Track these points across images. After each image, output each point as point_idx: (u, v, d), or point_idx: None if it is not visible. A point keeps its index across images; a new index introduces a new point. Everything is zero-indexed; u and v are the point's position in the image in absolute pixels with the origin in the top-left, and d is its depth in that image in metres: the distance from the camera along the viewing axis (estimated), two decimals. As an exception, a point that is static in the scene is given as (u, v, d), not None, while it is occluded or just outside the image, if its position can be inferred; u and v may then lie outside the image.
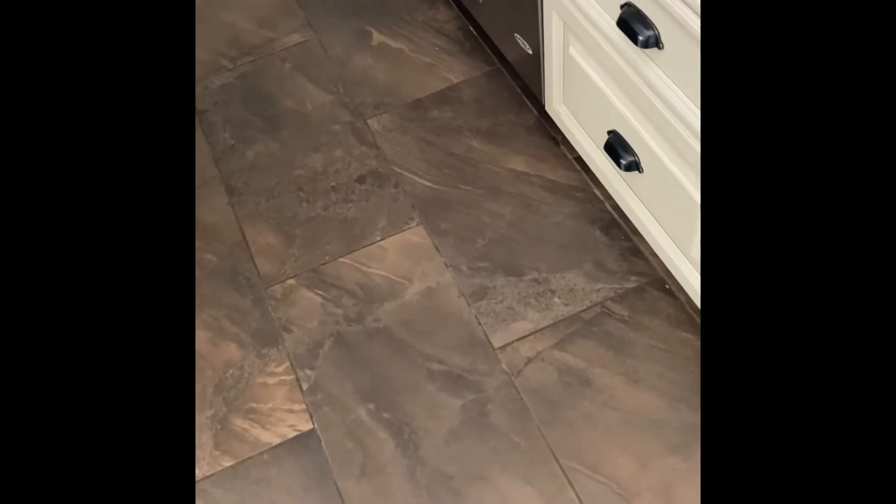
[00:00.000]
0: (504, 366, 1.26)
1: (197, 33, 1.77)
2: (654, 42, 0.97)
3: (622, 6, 1.01)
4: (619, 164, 1.18)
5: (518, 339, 1.28)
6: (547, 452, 1.17)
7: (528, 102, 1.57)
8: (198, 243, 1.45)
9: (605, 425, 1.19)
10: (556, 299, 1.32)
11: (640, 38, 0.97)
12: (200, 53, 1.73)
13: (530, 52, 1.38)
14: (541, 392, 1.23)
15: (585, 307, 1.30)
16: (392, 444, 1.20)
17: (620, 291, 1.31)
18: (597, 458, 1.16)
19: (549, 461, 1.16)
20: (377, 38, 1.72)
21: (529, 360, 1.26)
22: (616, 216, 1.40)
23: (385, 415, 1.23)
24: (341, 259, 1.41)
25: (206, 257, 1.43)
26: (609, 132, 1.20)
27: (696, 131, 0.96)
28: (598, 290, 1.32)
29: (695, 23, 0.88)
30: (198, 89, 1.68)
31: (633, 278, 1.32)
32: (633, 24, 0.98)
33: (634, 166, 1.16)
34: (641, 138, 1.11)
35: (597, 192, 1.43)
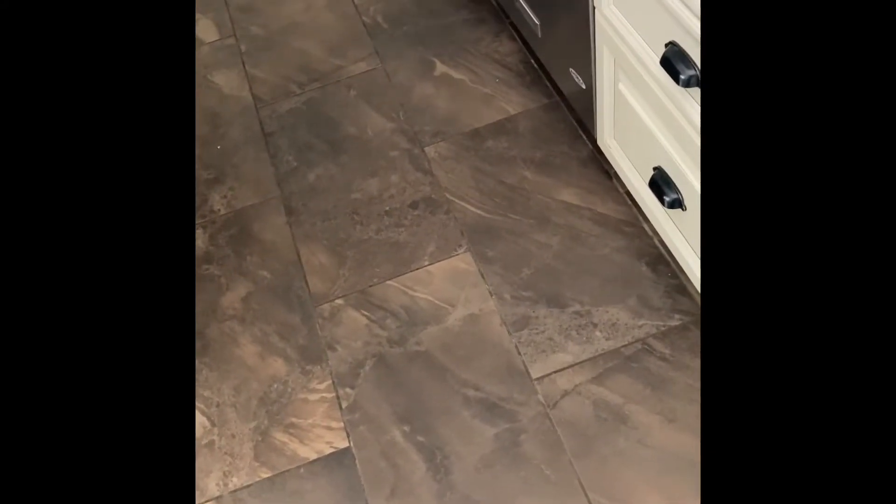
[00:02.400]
0: (540, 397, 1.26)
1: (270, 59, 1.86)
2: (696, 82, 0.97)
3: (666, 44, 1.01)
4: (662, 201, 1.17)
5: (556, 371, 1.28)
6: (577, 486, 1.16)
7: (582, 136, 1.58)
8: (255, 259, 1.52)
9: (638, 463, 1.17)
10: (598, 333, 1.32)
11: (682, 77, 0.97)
12: (272, 78, 1.82)
13: (584, 86, 1.39)
14: (575, 425, 1.22)
15: (627, 343, 1.29)
16: (424, 467, 1.22)
17: (663, 329, 1.30)
18: (627, 495, 1.14)
19: (578, 495, 1.15)
20: (440, 68, 1.76)
21: (566, 393, 1.26)
22: (663, 252, 1.38)
23: (419, 437, 1.25)
24: (389, 282, 1.44)
25: (261, 273, 1.49)
26: (654, 168, 1.19)
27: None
28: (640, 326, 1.31)
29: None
30: (266, 112, 1.75)
31: (676, 316, 1.31)
32: (675, 64, 0.98)
33: (678, 203, 1.15)
34: (684, 176, 1.11)
35: (646, 227, 1.43)
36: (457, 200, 1.53)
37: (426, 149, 1.63)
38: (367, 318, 1.40)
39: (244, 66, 1.85)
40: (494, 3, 1.84)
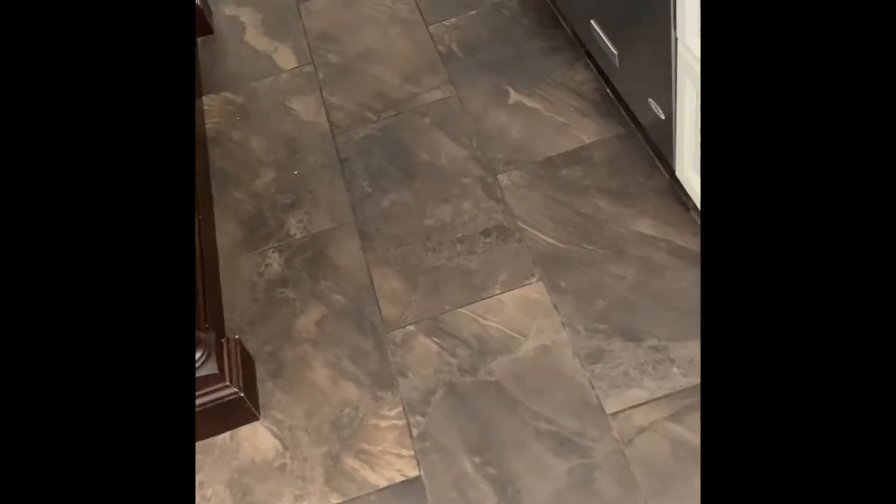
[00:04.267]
0: (615, 433, 1.23)
1: (346, 86, 1.89)
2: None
3: (755, 77, 0.99)
4: (747, 236, 1.14)
5: (632, 407, 1.26)
6: (652, 528, 1.13)
7: (659, 166, 1.55)
8: (329, 283, 1.53)
9: (718, 507, 1.13)
10: (676, 369, 1.28)
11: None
12: (348, 105, 1.85)
13: (663, 117, 1.37)
14: (651, 464, 1.19)
15: (705, 380, 1.26)
16: (495, 500, 1.20)
17: (744, 367, 1.25)
18: (705, 541, 1.10)
19: (654, 538, 1.12)
20: (514, 96, 1.77)
21: (642, 430, 1.23)
22: (745, 288, 1.34)
23: (490, 469, 1.24)
24: (460, 309, 1.44)
25: (335, 297, 1.51)
26: (738, 202, 1.16)
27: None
28: (719, 364, 1.27)
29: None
30: (342, 139, 1.78)
31: (758, 354, 1.26)
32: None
33: (763, 239, 1.12)
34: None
35: (726, 261, 1.39)
36: (529, 229, 1.52)
37: (499, 176, 1.63)
38: (439, 345, 1.40)
39: (321, 93, 1.89)
40: (570, 32, 1.84)
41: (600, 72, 1.73)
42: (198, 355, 1.28)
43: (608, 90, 1.71)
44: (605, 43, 1.54)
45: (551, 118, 1.70)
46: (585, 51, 1.78)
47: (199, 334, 1.29)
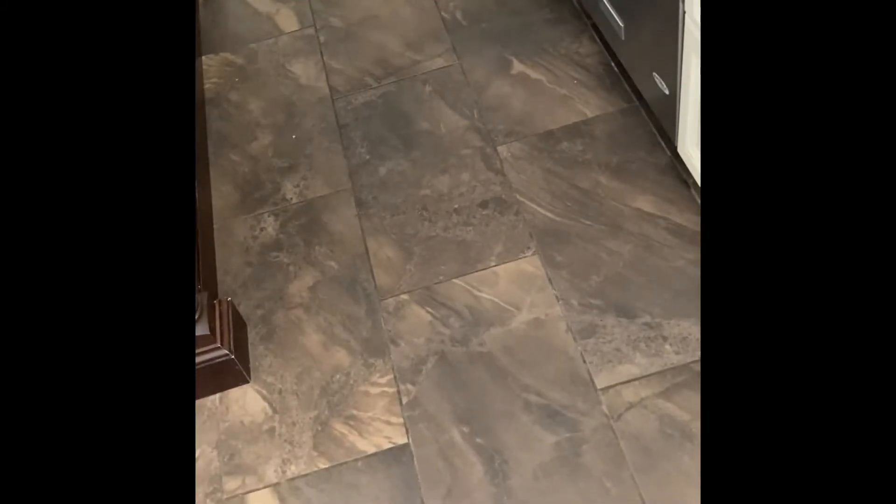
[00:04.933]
0: (604, 408, 1.23)
1: (347, 51, 1.87)
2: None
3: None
4: (746, 215, 1.13)
5: (622, 383, 1.25)
6: (637, 502, 1.13)
7: (662, 143, 1.54)
8: (323, 250, 1.52)
9: (704, 485, 1.13)
10: (668, 346, 1.28)
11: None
12: (349, 70, 1.83)
13: (667, 92, 1.35)
14: (639, 440, 1.19)
15: (697, 358, 1.25)
16: (482, 469, 1.21)
17: (737, 347, 1.25)
18: (690, 518, 1.11)
19: (639, 513, 1.13)
20: (517, 67, 1.74)
21: (631, 406, 1.23)
22: (741, 268, 1.34)
23: (478, 440, 1.24)
24: (454, 280, 1.43)
25: (329, 264, 1.50)
26: (739, 181, 1.15)
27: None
28: (712, 343, 1.26)
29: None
30: (342, 104, 1.76)
31: (751, 335, 1.26)
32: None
33: (762, 219, 1.11)
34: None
35: (723, 240, 1.38)
36: (527, 202, 1.51)
37: (499, 148, 1.61)
38: (432, 315, 1.39)
39: (322, 57, 1.87)
40: (576, 3, 1.81)
41: (606, 45, 1.71)
42: (189, 316, 1.27)
43: (613, 64, 1.69)
44: (611, 15, 1.51)
45: (554, 90, 1.68)
46: (591, 23, 1.75)
47: (191, 295, 1.29)
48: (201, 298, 1.30)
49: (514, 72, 1.74)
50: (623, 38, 1.50)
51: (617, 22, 1.49)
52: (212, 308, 1.32)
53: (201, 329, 1.28)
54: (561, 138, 1.60)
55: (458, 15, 1.88)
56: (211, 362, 1.30)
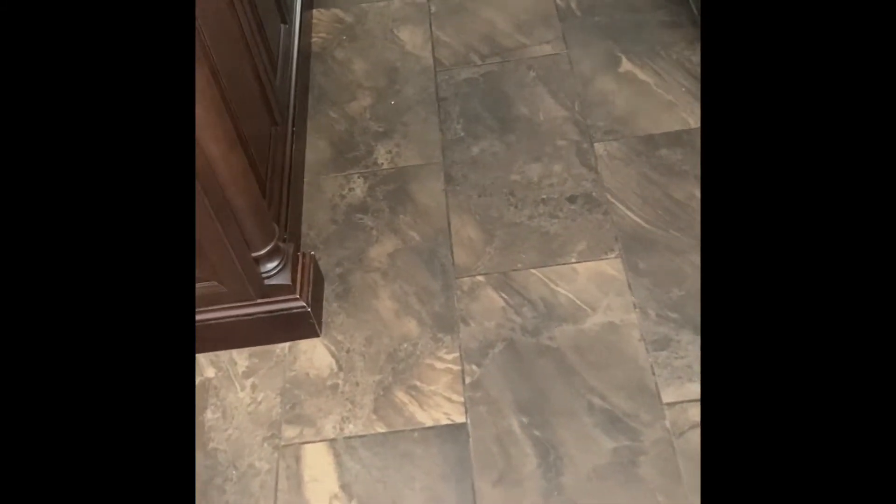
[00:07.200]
0: (668, 423, 1.23)
1: (457, 24, 1.86)
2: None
3: None
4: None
5: (689, 401, 1.24)
6: (688, 523, 1.13)
7: (764, 164, 1.50)
8: (407, 219, 1.54)
9: (758, 517, 1.12)
10: (740, 372, 1.26)
11: None
12: (455, 44, 1.82)
13: (783, 115, 1.32)
14: (698, 461, 1.18)
15: (769, 389, 1.23)
16: (535, 462, 1.21)
17: (813, 385, 1.23)
18: (740, 547, 1.10)
19: (689, 532, 1.12)
20: (626, 65, 1.72)
21: (695, 426, 1.22)
22: (829, 306, 1.30)
23: (536, 432, 1.24)
24: (532, 270, 1.43)
25: (411, 234, 1.51)
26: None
27: None
28: (788, 376, 1.24)
29: None
30: (444, 77, 1.76)
31: (830, 375, 1.23)
32: None
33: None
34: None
35: (815, 274, 1.35)
36: (617, 203, 1.50)
37: (596, 144, 1.59)
38: (505, 301, 1.40)
39: (431, 27, 1.87)
40: (695, 9, 1.77)
41: (720, 56, 1.67)
42: (274, 264, 1.30)
43: (725, 77, 1.65)
44: (735, 27, 1.47)
45: (660, 95, 1.65)
46: (709, 32, 1.71)
47: (278, 244, 1.31)
48: (286, 248, 1.33)
49: (621, 69, 1.71)
50: (743, 52, 1.46)
51: (740, 35, 1.45)
52: (295, 259, 1.34)
53: (283, 278, 1.31)
54: (661, 144, 1.57)
55: (573, 4, 1.86)
56: (288, 311, 1.33)
